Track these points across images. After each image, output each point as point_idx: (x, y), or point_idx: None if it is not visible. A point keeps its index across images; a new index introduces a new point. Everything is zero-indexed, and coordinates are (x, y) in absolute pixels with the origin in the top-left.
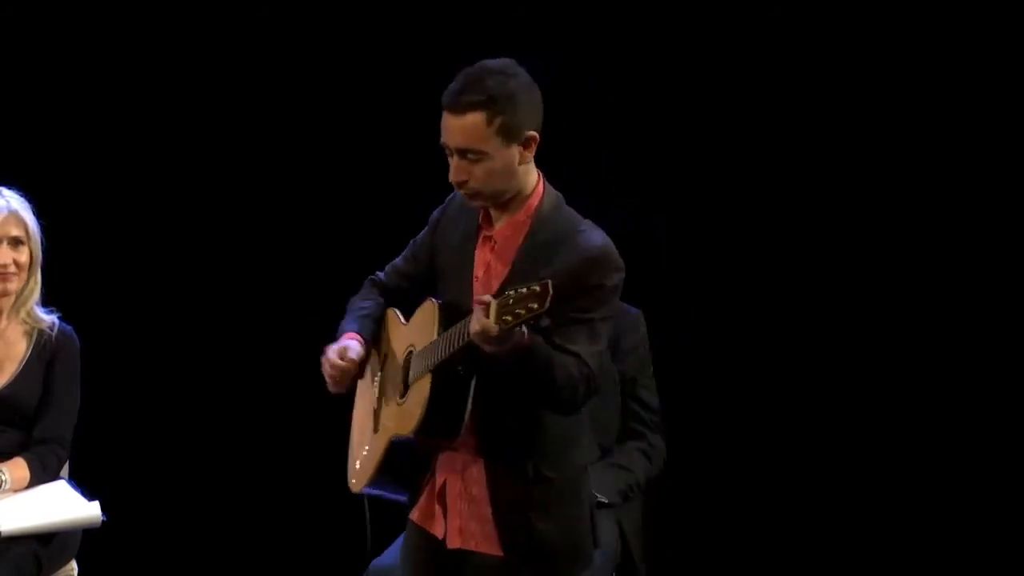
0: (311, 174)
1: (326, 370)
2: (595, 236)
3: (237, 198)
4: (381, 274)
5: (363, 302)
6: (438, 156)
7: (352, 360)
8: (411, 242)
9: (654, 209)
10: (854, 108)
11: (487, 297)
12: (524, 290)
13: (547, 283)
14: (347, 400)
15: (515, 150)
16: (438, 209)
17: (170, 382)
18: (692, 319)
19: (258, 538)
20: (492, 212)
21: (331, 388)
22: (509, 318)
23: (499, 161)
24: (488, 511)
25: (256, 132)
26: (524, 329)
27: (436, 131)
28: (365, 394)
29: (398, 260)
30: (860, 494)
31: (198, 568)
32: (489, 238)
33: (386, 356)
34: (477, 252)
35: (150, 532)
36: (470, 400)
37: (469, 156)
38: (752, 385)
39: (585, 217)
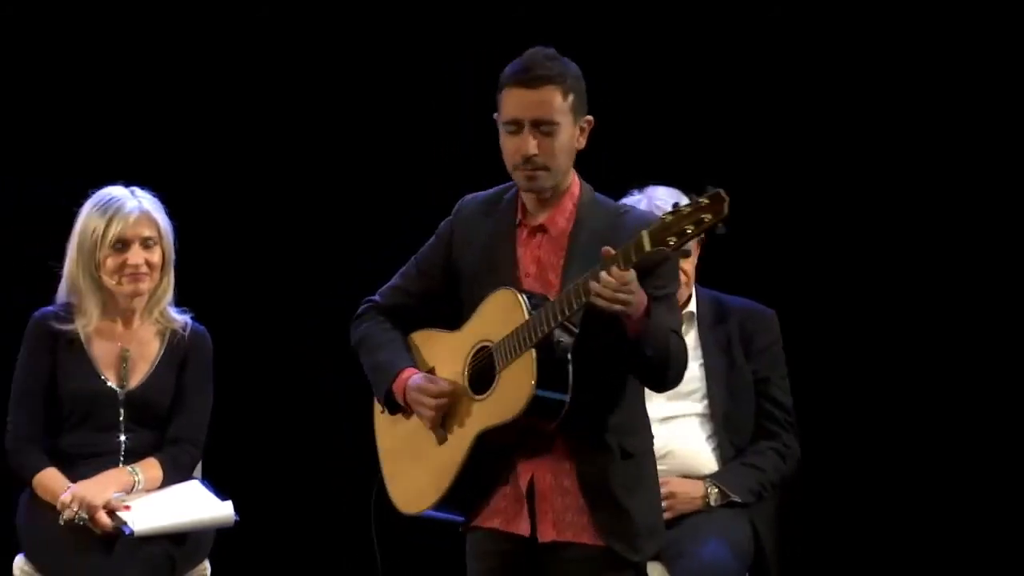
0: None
1: (429, 404)
2: (646, 214)
3: (365, 199)
4: (378, 297)
5: (385, 334)
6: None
7: (444, 386)
8: (411, 260)
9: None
10: (857, 106)
11: (609, 248)
12: (687, 207)
13: (719, 191)
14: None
15: (577, 130)
16: (445, 222)
17: (302, 382)
18: (826, 319)
19: (386, 537)
20: (531, 204)
21: (432, 422)
22: (672, 239)
23: (566, 136)
24: (581, 499)
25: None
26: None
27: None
28: (399, 421)
29: (396, 280)
30: (994, 494)
31: (330, 568)
32: (537, 229)
33: (432, 372)
34: (521, 248)
35: (283, 532)
36: (571, 375)
37: (543, 128)
38: (885, 385)
39: None
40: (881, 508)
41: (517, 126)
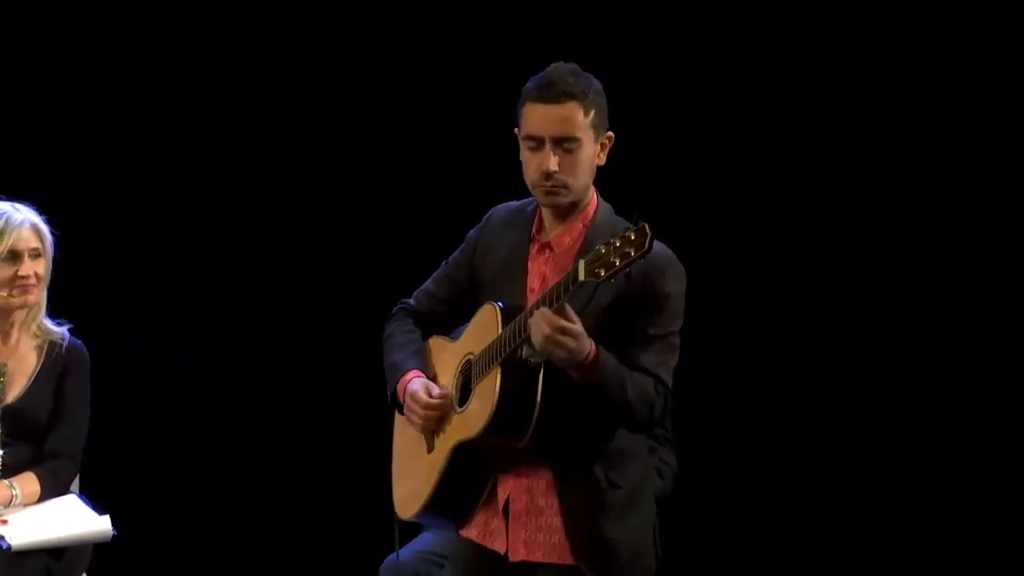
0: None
1: (419, 413)
2: (655, 244)
3: (364, 199)
4: (411, 301)
5: (405, 335)
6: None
7: (440, 396)
8: (443, 264)
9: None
10: (859, 107)
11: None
12: (616, 241)
13: (644, 225)
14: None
15: (598, 147)
16: (475, 229)
17: (179, 394)
18: (703, 334)
19: (268, 550)
20: (547, 220)
21: (422, 429)
22: (602, 271)
23: (587, 153)
24: (557, 520)
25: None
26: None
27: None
28: (409, 425)
29: (429, 285)
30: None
31: None
32: (545, 246)
33: (434, 379)
34: (531, 263)
35: (160, 546)
36: (539, 394)
37: (565, 145)
38: (765, 398)
39: None
40: (759, 523)
41: (538, 142)
